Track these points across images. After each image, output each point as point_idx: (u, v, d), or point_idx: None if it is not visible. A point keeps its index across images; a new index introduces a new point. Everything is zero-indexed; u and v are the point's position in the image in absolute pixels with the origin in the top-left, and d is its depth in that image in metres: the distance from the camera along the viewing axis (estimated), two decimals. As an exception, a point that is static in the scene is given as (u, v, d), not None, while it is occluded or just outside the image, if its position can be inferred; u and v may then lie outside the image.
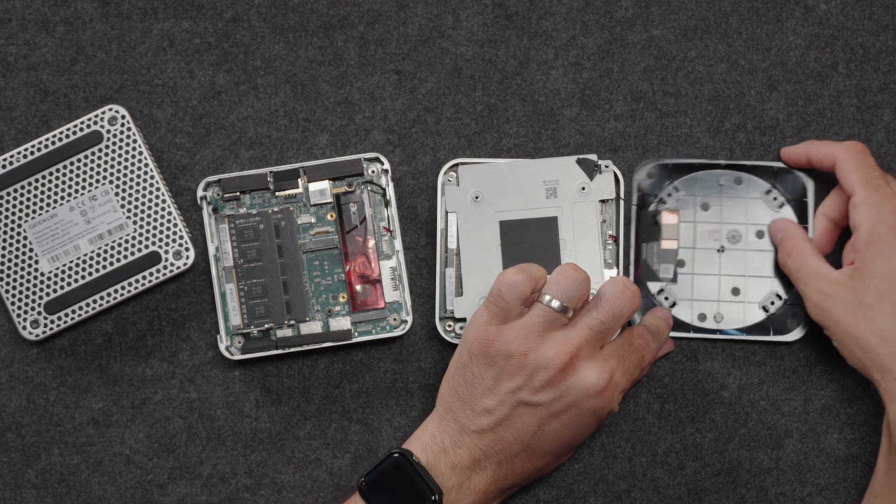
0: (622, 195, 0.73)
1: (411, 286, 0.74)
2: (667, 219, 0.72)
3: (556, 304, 0.67)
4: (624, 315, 0.67)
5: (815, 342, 0.74)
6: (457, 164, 0.73)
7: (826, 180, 0.75)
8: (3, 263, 0.72)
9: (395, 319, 0.73)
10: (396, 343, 0.75)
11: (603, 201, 0.73)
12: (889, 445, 0.66)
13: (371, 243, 0.73)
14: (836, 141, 0.72)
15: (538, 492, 0.74)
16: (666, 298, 0.73)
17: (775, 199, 0.73)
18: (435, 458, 0.67)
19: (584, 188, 0.73)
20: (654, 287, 0.73)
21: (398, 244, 0.73)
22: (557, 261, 0.72)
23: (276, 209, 0.73)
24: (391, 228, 0.73)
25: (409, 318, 0.73)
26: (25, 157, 0.72)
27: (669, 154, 0.75)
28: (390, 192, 0.73)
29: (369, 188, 0.73)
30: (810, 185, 0.73)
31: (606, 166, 0.73)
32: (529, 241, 0.72)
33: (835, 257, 0.71)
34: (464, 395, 0.67)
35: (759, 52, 0.76)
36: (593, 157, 0.73)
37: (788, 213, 0.73)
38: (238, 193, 0.74)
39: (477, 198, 0.73)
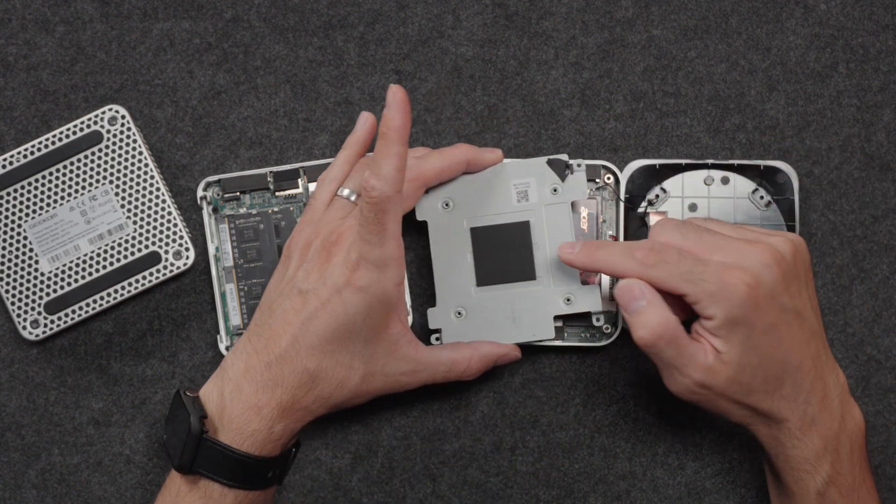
0: (622, 196, 0.73)
1: (411, 286, 0.74)
2: (655, 220, 0.72)
3: (346, 192, 0.67)
4: (373, 192, 0.62)
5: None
6: None
7: (814, 178, 0.75)
8: (3, 263, 0.72)
9: (395, 319, 0.73)
10: (396, 343, 0.75)
11: (605, 200, 0.73)
12: (775, 478, 0.67)
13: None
14: (629, 247, 0.66)
15: (538, 492, 0.74)
16: None
17: (762, 197, 0.73)
18: (213, 382, 0.64)
19: (555, 189, 0.71)
20: None
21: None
22: (531, 266, 0.71)
23: (276, 209, 0.74)
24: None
25: (410, 318, 0.73)
26: (25, 157, 0.72)
27: (669, 154, 0.75)
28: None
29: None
30: (796, 184, 0.73)
31: (578, 165, 0.71)
32: (502, 247, 0.71)
33: None
34: (261, 304, 0.67)
35: (759, 52, 0.76)
36: (564, 157, 0.71)
37: (775, 212, 0.73)
38: (238, 193, 0.74)
39: (447, 205, 0.71)
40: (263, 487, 0.64)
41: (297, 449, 0.67)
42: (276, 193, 0.74)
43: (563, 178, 0.71)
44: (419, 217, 0.71)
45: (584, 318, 0.73)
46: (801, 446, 0.64)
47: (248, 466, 0.63)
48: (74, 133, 0.73)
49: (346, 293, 0.63)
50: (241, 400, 0.63)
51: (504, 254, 0.71)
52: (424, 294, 0.75)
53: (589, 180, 0.74)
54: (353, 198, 0.68)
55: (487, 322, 0.71)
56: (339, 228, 0.65)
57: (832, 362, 0.66)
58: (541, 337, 0.71)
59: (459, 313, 0.71)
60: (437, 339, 0.71)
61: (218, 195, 0.74)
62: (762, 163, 0.73)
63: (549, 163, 0.71)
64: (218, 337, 0.73)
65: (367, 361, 0.65)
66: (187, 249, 0.73)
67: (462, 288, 0.71)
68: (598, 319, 0.72)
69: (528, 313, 0.71)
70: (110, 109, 0.73)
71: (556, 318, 0.71)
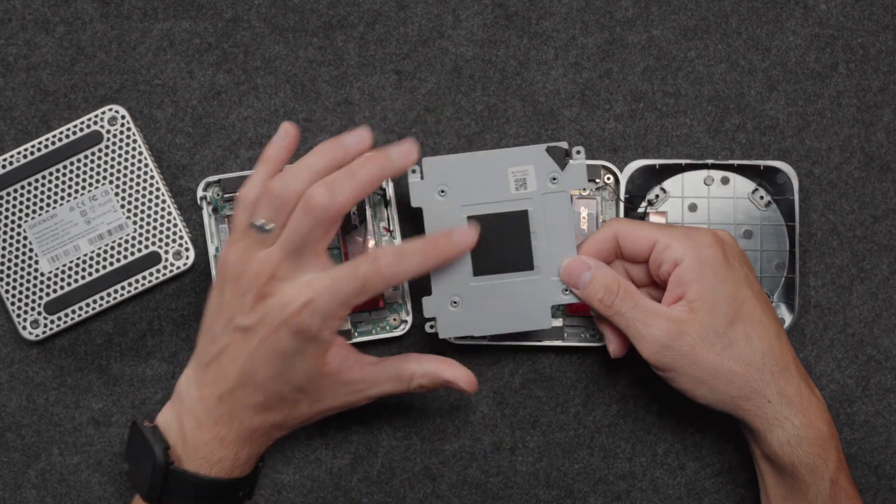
0: (622, 196, 0.73)
1: (411, 286, 0.74)
2: (655, 220, 0.72)
3: (259, 222, 0.64)
4: (314, 219, 0.61)
5: (807, 341, 0.74)
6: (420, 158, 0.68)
7: (814, 178, 0.75)
8: (3, 263, 0.72)
9: (395, 319, 0.73)
10: (396, 343, 0.75)
11: (594, 195, 0.73)
12: (778, 474, 0.65)
13: (371, 243, 0.73)
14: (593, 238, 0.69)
15: (538, 492, 0.74)
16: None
17: (762, 197, 0.73)
18: (171, 409, 0.65)
19: (554, 178, 0.68)
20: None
21: (398, 244, 0.73)
22: (529, 256, 0.69)
23: (276, 209, 0.73)
24: (391, 228, 0.73)
25: (409, 318, 0.73)
26: (25, 157, 0.72)
27: (669, 154, 0.75)
28: (390, 193, 0.73)
29: (369, 188, 0.73)
30: (796, 184, 0.73)
31: (578, 152, 0.68)
32: (499, 236, 0.69)
33: None
34: (203, 328, 0.66)
35: (759, 52, 0.76)
36: (563, 144, 0.68)
37: (775, 212, 0.73)
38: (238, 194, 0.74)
39: (443, 192, 0.69)
40: None
41: (262, 464, 0.68)
42: (276, 193, 0.74)
43: (562, 166, 0.68)
44: (414, 204, 0.69)
45: (583, 317, 0.73)
46: (810, 426, 0.63)
47: (219, 489, 0.64)
48: (74, 133, 0.73)
49: (281, 333, 0.62)
50: (203, 431, 0.64)
51: (501, 243, 0.69)
52: (424, 294, 0.74)
53: (589, 180, 0.74)
54: (268, 227, 0.64)
55: (484, 312, 0.69)
56: (264, 269, 0.63)
57: None
58: (538, 327, 0.69)
59: (455, 303, 0.70)
60: (432, 326, 0.70)
61: (218, 195, 0.74)
62: (762, 163, 0.73)
63: (549, 150, 0.68)
64: (218, 337, 0.73)
65: (311, 392, 0.65)
66: (187, 249, 0.73)
67: (458, 277, 0.69)
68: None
69: (525, 304, 0.69)
70: (110, 109, 0.73)
71: (555, 316, 0.71)
